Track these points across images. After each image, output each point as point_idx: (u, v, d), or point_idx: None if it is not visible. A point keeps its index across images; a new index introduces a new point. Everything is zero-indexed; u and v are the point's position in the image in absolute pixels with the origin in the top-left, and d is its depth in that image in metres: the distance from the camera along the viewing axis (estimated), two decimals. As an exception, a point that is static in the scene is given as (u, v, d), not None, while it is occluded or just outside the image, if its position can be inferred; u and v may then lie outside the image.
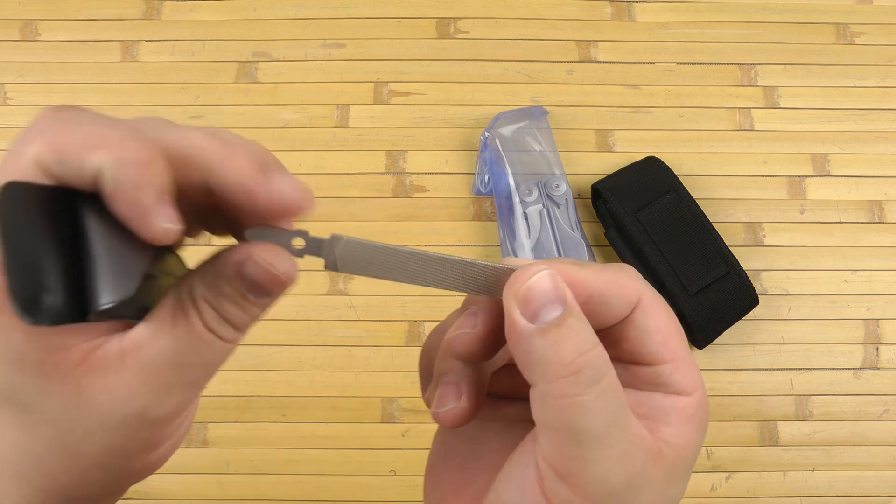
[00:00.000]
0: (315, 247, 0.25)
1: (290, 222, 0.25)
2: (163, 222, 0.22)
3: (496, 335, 0.26)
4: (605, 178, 0.62)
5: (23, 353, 0.22)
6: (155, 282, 0.24)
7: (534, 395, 0.23)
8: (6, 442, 0.24)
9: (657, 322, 0.24)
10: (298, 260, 0.25)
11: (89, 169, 0.21)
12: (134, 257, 0.23)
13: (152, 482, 0.59)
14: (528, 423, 0.24)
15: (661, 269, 0.59)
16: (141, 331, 0.24)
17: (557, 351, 0.22)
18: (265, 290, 0.24)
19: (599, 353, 0.22)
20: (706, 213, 0.61)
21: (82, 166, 0.21)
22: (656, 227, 0.59)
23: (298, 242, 0.25)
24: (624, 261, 0.62)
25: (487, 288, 0.25)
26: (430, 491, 0.29)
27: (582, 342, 0.22)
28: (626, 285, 0.24)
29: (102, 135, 0.22)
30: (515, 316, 0.23)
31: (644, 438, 0.23)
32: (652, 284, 0.61)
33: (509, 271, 0.24)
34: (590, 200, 0.64)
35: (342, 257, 0.25)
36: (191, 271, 0.25)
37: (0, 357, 0.22)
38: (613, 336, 0.25)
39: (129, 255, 0.22)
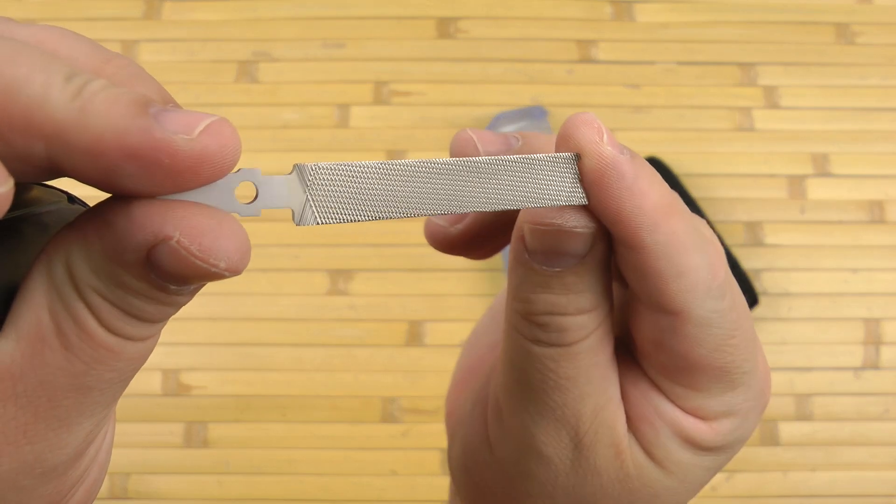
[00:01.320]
0: (272, 193, 0.16)
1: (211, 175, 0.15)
2: None
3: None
4: None
5: None
6: (4, 240, 0.16)
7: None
8: None
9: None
10: (253, 221, 0.17)
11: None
12: None
13: (152, 482, 0.59)
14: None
15: None
16: (9, 350, 0.15)
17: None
18: (192, 282, 0.15)
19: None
20: (706, 213, 0.61)
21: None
22: None
23: (246, 190, 0.16)
24: None
25: (520, 196, 0.18)
26: (466, 352, 0.25)
27: (574, 303, 0.20)
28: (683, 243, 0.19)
29: None
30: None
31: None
32: None
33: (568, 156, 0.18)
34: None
35: (317, 197, 0.16)
36: (62, 231, 0.15)
37: None
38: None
39: None
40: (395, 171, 0.17)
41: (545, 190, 0.18)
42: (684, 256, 0.19)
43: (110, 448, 0.19)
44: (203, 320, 0.62)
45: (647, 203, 0.18)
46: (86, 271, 0.15)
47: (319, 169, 0.16)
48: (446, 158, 0.17)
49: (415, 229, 0.63)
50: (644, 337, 0.20)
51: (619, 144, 0.18)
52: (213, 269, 0.15)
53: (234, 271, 0.15)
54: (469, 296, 0.62)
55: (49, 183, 0.16)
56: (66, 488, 0.17)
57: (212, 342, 0.61)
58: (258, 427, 0.60)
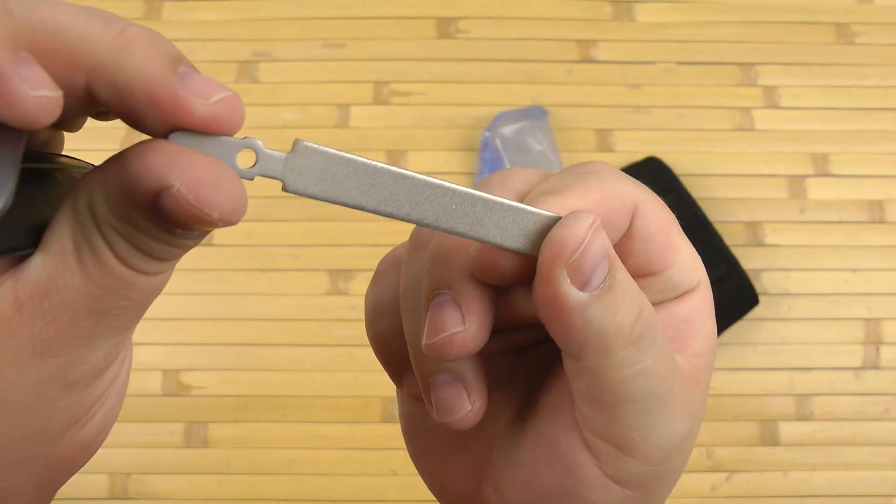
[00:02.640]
0: (270, 164, 0.19)
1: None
2: (32, 89, 0.15)
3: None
4: None
5: None
6: (42, 184, 0.18)
7: (577, 370, 0.19)
8: None
9: (657, 223, 0.21)
10: (249, 184, 0.18)
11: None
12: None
13: (152, 482, 0.59)
14: (537, 361, 0.22)
15: None
16: (37, 270, 0.17)
17: (615, 319, 0.18)
18: (194, 228, 0.17)
19: (648, 305, 0.19)
20: (706, 213, 0.61)
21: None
22: None
23: (246, 157, 0.18)
24: None
25: (506, 235, 0.19)
26: (420, 455, 0.25)
27: (634, 300, 0.19)
28: (620, 195, 0.20)
29: None
30: (564, 287, 0.18)
31: (686, 369, 0.21)
32: None
33: (547, 219, 0.19)
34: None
35: (310, 177, 0.19)
36: (90, 172, 0.18)
37: None
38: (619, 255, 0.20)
39: None
40: (386, 175, 0.19)
41: (510, 231, 0.19)
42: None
43: (128, 376, 0.21)
44: (203, 320, 0.62)
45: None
46: (104, 209, 0.17)
47: (318, 153, 0.18)
48: (440, 181, 0.18)
49: (415, 229, 0.63)
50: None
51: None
52: (207, 218, 0.17)
53: (227, 222, 0.17)
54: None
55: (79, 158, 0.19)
56: (87, 405, 0.19)
57: (212, 342, 0.61)
58: (258, 427, 0.60)
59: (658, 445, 0.20)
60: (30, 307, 0.17)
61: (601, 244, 0.18)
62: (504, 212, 0.18)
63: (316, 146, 0.19)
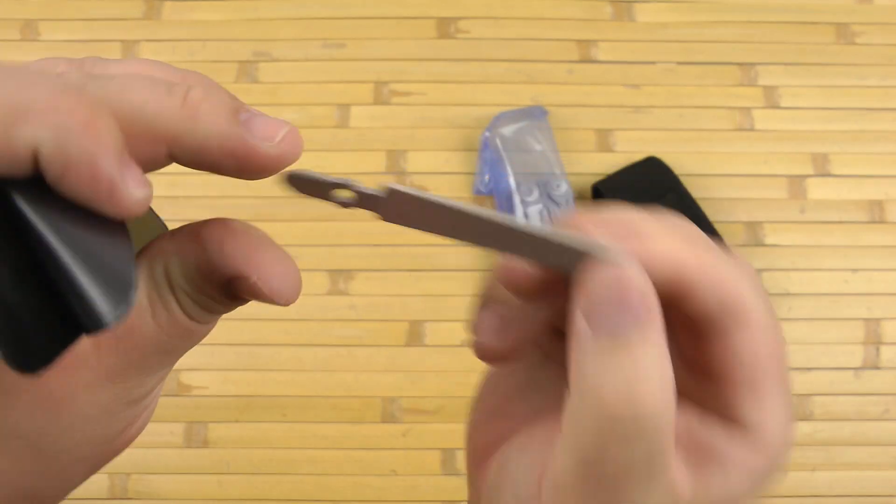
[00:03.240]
0: (369, 200, 0.21)
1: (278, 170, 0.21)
2: (135, 190, 0.17)
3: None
4: (605, 179, 0.62)
5: None
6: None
7: (567, 400, 0.19)
8: None
9: (753, 344, 0.19)
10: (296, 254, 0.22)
11: (21, 148, 0.16)
12: (113, 244, 0.17)
13: (152, 482, 0.59)
14: None
15: None
16: None
17: (614, 379, 0.17)
18: (257, 299, 0.22)
19: (668, 399, 0.17)
20: (706, 213, 0.61)
21: (10, 145, 0.16)
22: None
23: (344, 193, 0.21)
24: None
25: (560, 262, 0.20)
26: (476, 403, 0.26)
27: (652, 380, 0.17)
28: (723, 279, 0.19)
29: (25, 96, 0.16)
30: (578, 319, 0.18)
31: (679, 495, 0.19)
32: None
33: (589, 256, 0.19)
34: (590, 200, 0.64)
35: (403, 214, 0.22)
36: (166, 239, 0.21)
37: None
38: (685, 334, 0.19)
39: (105, 242, 0.17)
40: (461, 213, 0.21)
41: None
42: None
43: (159, 393, 0.25)
44: (203, 320, 0.62)
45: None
46: (179, 277, 0.20)
47: (406, 197, 0.21)
48: (505, 217, 0.21)
49: (415, 230, 0.63)
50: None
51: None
52: (274, 302, 0.21)
53: (288, 304, 0.22)
54: (469, 296, 0.62)
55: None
56: (136, 415, 0.23)
57: (212, 342, 0.61)
58: (258, 427, 0.60)
59: None
60: (106, 347, 0.20)
61: (635, 295, 0.18)
62: (561, 246, 0.20)
63: (408, 191, 0.21)
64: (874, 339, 0.62)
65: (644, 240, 0.19)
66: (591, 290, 0.18)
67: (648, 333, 0.18)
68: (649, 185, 0.61)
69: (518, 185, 0.62)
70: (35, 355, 0.17)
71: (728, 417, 0.19)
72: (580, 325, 0.18)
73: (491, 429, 0.24)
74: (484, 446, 0.24)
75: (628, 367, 0.17)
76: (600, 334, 0.18)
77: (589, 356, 0.18)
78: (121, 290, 0.17)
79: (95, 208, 0.17)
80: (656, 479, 0.18)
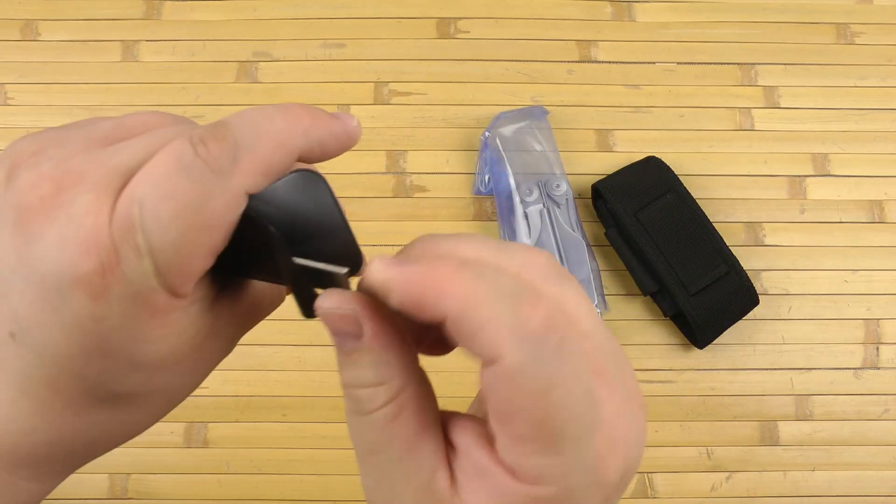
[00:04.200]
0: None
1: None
2: (351, 122, 0.27)
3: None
4: (605, 178, 0.62)
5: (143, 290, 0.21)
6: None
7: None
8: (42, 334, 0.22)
9: (500, 386, 0.21)
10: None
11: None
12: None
13: (152, 482, 0.59)
14: None
15: (662, 269, 0.59)
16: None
17: (344, 373, 0.23)
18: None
19: (373, 392, 0.23)
20: (706, 213, 0.61)
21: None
22: (657, 226, 0.59)
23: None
24: (624, 261, 0.62)
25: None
26: None
27: (363, 377, 0.23)
28: (477, 316, 0.21)
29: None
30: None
31: (433, 492, 0.23)
32: (652, 284, 0.61)
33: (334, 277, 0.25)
34: (590, 200, 0.64)
35: None
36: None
37: (118, 295, 0.21)
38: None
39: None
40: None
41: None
42: (477, 311, 0.20)
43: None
44: (203, 320, 0.62)
45: (423, 288, 0.21)
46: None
47: None
48: None
49: (414, 229, 0.63)
50: (483, 386, 0.21)
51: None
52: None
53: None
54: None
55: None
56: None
57: (212, 342, 0.61)
58: (258, 427, 0.60)
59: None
60: (236, 324, 0.31)
61: (349, 321, 0.24)
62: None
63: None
64: (874, 339, 0.62)
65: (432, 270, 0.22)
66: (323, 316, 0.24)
67: (365, 349, 0.23)
68: (649, 184, 0.61)
69: (518, 184, 0.62)
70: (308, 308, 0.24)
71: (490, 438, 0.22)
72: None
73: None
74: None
75: (351, 374, 0.23)
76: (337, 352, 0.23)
77: (340, 358, 0.24)
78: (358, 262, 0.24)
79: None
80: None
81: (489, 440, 0.22)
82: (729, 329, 0.60)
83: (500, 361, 0.20)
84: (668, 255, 0.59)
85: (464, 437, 0.23)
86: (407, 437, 0.23)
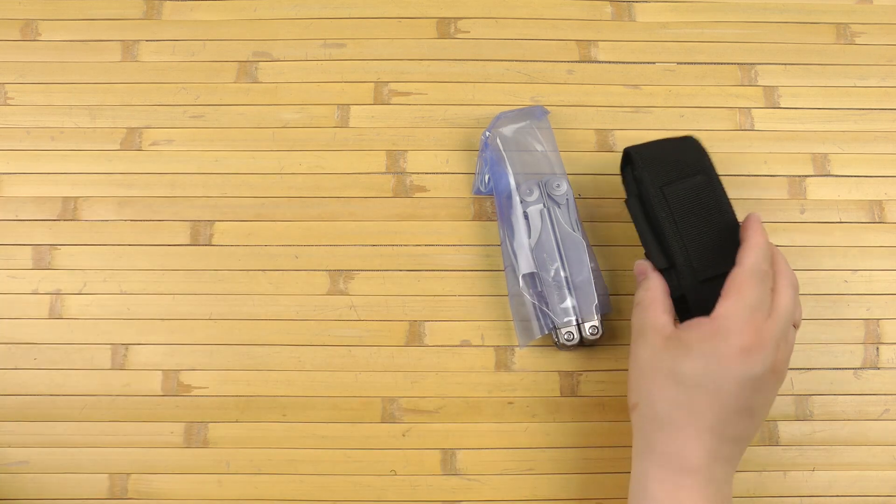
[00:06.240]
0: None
1: None
2: None
3: None
4: (639, 145, 0.60)
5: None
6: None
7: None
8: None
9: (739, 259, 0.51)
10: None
11: None
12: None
13: (152, 482, 0.59)
14: None
15: (676, 247, 0.56)
16: None
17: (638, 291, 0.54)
18: None
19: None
20: (734, 209, 0.60)
21: None
22: (680, 204, 0.57)
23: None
24: (640, 231, 0.58)
25: None
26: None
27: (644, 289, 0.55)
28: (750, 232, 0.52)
29: None
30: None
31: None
32: (663, 260, 0.59)
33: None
34: (590, 199, 0.64)
35: None
36: None
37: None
38: None
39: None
40: None
41: None
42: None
43: None
44: (203, 320, 0.62)
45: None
46: None
47: None
48: None
49: (414, 229, 0.63)
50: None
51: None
52: None
53: None
54: (469, 296, 0.62)
55: None
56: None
57: (212, 342, 0.61)
58: (258, 427, 0.60)
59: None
60: None
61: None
62: None
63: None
64: (874, 339, 0.62)
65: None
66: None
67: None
68: (682, 162, 0.58)
69: (518, 184, 0.62)
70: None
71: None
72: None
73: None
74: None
75: (641, 290, 0.55)
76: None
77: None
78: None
79: None
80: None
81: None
82: (729, 329, 0.60)
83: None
84: (686, 235, 0.56)
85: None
86: (656, 311, 0.51)
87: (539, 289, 0.60)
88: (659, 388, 0.48)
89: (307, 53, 0.68)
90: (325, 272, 0.63)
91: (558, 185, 0.62)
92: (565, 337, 0.58)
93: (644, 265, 0.55)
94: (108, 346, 0.61)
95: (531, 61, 0.68)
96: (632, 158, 0.59)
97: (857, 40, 0.69)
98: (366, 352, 0.61)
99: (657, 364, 0.48)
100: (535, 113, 0.64)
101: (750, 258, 0.48)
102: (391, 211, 0.64)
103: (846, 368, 0.61)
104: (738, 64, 0.68)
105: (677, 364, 0.47)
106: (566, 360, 0.61)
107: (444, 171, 0.65)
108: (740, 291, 0.47)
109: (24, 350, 0.61)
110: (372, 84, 0.67)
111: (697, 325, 0.48)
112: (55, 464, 0.59)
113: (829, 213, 0.64)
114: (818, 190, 0.65)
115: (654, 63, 0.68)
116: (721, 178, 0.56)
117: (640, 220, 0.58)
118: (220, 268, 0.63)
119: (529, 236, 0.60)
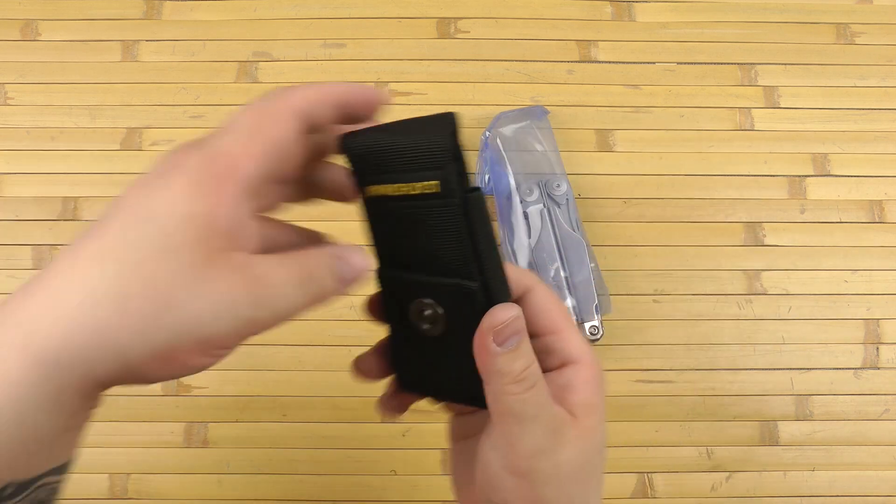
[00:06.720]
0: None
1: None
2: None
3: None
4: (355, 133, 0.38)
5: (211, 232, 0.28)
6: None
7: (489, 391, 0.32)
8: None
9: (545, 302, 0.34)
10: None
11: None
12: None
13: (152, 482, 0.59)
14: None
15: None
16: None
17: (512, 366, 0.31)
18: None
19: (535, 367, 0.31)
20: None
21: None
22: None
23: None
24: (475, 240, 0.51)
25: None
26: (456, 486, 0.38)
27: (527, 360, 0.31)
28: (521, 279, 0.34)
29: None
30: (488, 341, 0.31)
31: (561, 412, 0.32)
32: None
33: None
34: (590, 199, 0.64)
35: None
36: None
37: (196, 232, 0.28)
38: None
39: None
40: None
41: None
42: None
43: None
44: (203, 320, 0.62)
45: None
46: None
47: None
48: None
49: (415, 229, 0.63)
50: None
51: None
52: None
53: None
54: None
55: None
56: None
57: (212, 342, 0.61)
58: (258, 427, 0.60)
59: (528, 448, 0.31)
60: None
61: (518, 327, 0.31)
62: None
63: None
64: (874, 339, 0.62)
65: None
66: (501, 329, 0.31)
67: (525, 339, 0.31)
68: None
69: (518, 184, 0.62)
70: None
71: (565, 362, 0.34)
72: (491, 347, 0.31)
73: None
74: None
75: (518, 356, 0.31)
76: (504, 346, 0.31)
77: (500, 359, 0.31)
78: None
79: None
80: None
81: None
82: (729, 329, 0.60)
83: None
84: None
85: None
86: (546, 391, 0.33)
87: (539, 289, 0.60)
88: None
89: (307, 53, 0.68)
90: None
91: (558, 185, 0.62)
92: (565, 337, 0.58)
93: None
94: (108, 346, 0.61)
95: (531, 61, 0.68)
96: (350, 148, 0.38)
97: (857, 40, 0.69)
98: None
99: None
100: (536, 113, 0.64)
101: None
102: (391, 211, 0.64)
103: (846, 368, 0.61)
104: (738, 64, 0.68)
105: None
106: (566, 360, 0.61)
107: (444, 171, 0.65)
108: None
109: (24, 350, 0.61)
110: (372, 84, 0.67)
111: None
112: (55, 464, 0.59)
113: (829, 213, 0.64)
114: (818, 190, 0.65)
115: (654, 63, 0.68)
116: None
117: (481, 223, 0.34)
118: (220, 268, 0.63)
119: (529, 236, 0.60)
